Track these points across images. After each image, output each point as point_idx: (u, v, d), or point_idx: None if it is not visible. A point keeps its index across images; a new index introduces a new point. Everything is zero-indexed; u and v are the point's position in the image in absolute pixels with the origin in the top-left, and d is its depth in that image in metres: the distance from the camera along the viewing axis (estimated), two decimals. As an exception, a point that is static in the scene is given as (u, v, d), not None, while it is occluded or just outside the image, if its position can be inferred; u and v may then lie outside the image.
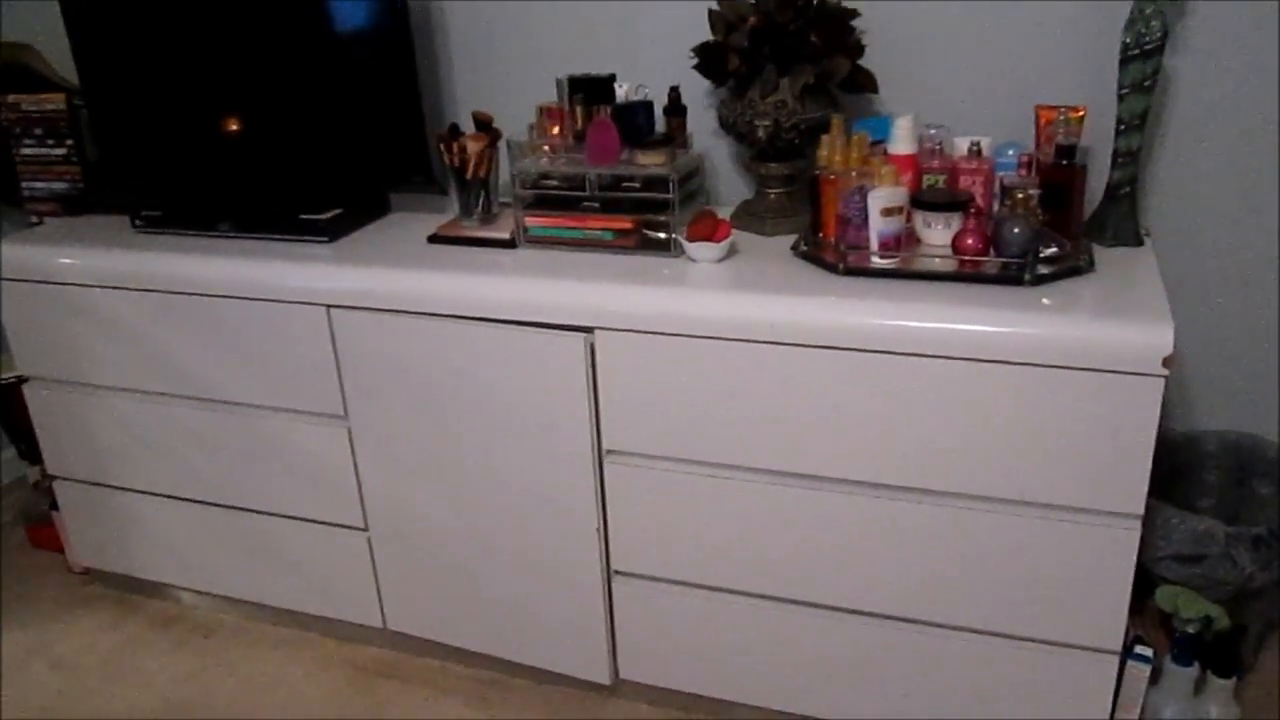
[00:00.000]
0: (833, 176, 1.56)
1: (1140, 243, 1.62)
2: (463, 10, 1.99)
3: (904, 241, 1.53)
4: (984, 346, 1.38)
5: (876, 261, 1.53)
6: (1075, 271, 1.49)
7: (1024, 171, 1.59)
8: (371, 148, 1.89)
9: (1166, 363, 1.32)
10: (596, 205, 1.69)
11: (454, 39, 2.03)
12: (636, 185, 1.66)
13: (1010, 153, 1.65)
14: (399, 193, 2.05)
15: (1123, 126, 1.57)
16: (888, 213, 1.50)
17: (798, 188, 1.74)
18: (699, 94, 1.86)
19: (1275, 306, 1.74)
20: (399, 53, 1.82)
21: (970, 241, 1.49)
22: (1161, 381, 1.34)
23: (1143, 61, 1.52)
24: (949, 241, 1.54)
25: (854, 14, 1.69)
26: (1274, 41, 1.59)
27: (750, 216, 1.77)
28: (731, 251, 1.64)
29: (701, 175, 1.75)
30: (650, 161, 1.65)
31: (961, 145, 1.66)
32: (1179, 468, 1.89)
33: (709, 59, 1.69)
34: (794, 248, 1.64)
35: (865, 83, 1.72)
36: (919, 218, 1.58)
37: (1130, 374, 1.34)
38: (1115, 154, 1.60)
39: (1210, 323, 1.78)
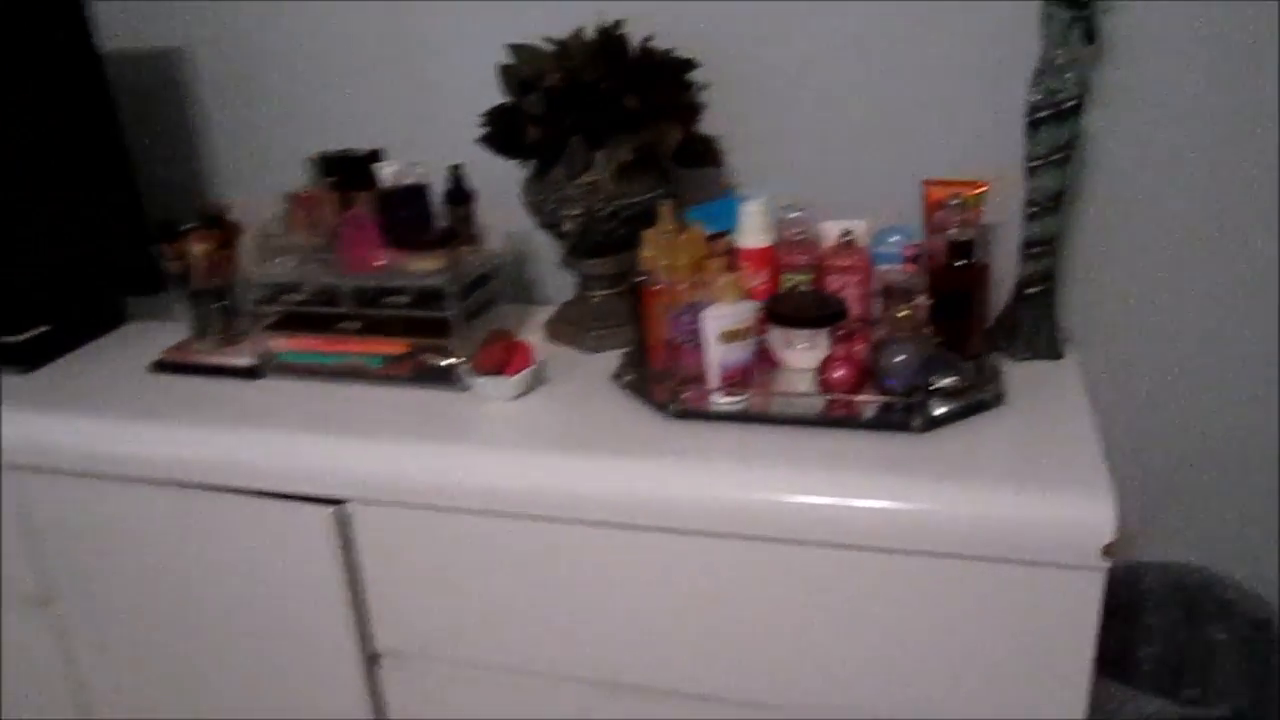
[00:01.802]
0: (657, 286, 1.16)
1: (1059, 354, 1.25)
2: (219, 60, 1.56)
3: (754, 370, 1.14)
4: (858, 530, 1.00)
5: (719, 403, 1.13)
6: (980, 407, 1.12)
7: (910, 267, 1.21)
8: (81, 246, 1.45)
9: (1109, 551, 0.95)
10: (357, 326, 1.27)
11: (209, 99, 1.60)
12: (404, 299, 1.25)
13: (893, 240, 1.28)
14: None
15: (1035, 209, 1.21)
16: (730, 337, 1.11)
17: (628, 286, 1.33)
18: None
19: (1225, 417, 1.39)
20: (96, 121, 1.38)
21: (840, 374, 1.11)
22: (1101, 575, 0.97)
23: (1056, 126, 1.15)
24: (817, 365, 1.15)
25: (689, 65, 1.31)
26: (1220, 88, 1.24)
27: (569, 326, 1.37)
28: (535, 382, 1.23)
29: (496, 280, 1.34)
30: (423, 267, 1.23)
31: (831, 232, 1.28)
32: (1115, 609, 1.53)
33: (501, 129, 1.29)
34: (617, 375, 1.24)
35: (705, 155, 1.33)
36: (776, 335, 1.19)
37: (1060, 567, 0.96)
38: (1026, 243, 1.23)
39: (1148, 436, 1.42)
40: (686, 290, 1.13)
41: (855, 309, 1.24)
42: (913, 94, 1.33)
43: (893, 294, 1.21)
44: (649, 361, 1.22)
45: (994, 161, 1.31)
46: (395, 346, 1.27)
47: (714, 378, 1.13)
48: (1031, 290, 1.24)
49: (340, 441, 1.16)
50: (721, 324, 1.10)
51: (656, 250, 1.17)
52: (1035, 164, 1.19)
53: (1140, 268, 1.34)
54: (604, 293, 1.36)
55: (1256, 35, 1.21)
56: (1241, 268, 1.31)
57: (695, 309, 1.12)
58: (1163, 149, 1.28)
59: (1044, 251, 1.23)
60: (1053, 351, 1.25)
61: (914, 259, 1.21)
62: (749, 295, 1.13)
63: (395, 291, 1.25)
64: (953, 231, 1.15)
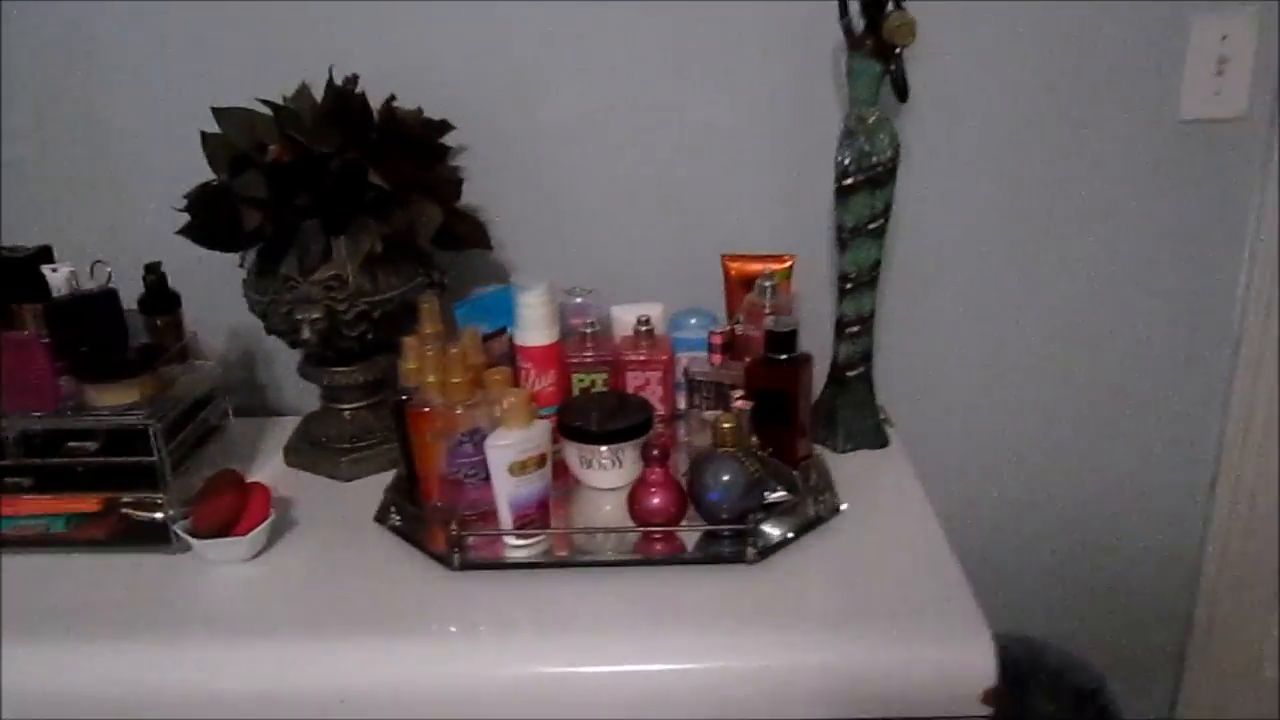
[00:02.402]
0: (425, 409, 0.94)
1: (884, 442, 1.12)
2: None
3: (549, 505, 0.94)
4: (692, 699, 0.81)
5: (512, 548, 0.92)
6: (815, 522, 0.96)
7: (717, 357, 1.05)
8: None
9: (987, 699, 0.81)
10: (29, 481, 0.97)
11: None
12: (92, 445, 0.96)
13: (693, 323, 1.11)
14: None
15: (849, 284, 1.07)
16: (521, 468, 0.90)
17: (387, 396, 1.09)
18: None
19: (1045, 486, 1.32)
20: None
21: (656, 501, 0.92)
22: (980, 725, 0.83)
23: (869, 192, 1.02)
24: (625, 484, 0.96)
25: (444, 128, 1.09)
26: (1014, 145, 1.15)
27: (315, 450, 1.12)
28: (275, 533, 0.98)
29: (218, 403, 1.07)
30: (116, 400, 0.95)
31: (624, 319, 1.10)
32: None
33: (208, 216, 1.02)
34: (382, 515, 1.00)
35: (471, 236, 1.12)
36: (572, 452, 0.99)
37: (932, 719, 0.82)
38: (840, 323, 1.09)
39: (971, 507, 1.33)
40: (463, 414, 0.91)
41: (660, 408, 1.06)
42: (703, 160, 1.17)
43: (699, 388, 1.05)
44: (420, 494, 0.99)
45: (792, 235, 1.17)
46: (85, 503, 0.98)
47: (505, 518, 0.92)
48: (851, 374, 1.11)
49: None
50: (510, 455, 0.89)
51: (421, 363, 0.95)
52: (846, 235, 1.05)
53: (949, 338, 1.24)
54: (356, 406, 1.12)
55: (1060, 96, 1.13)
56: (1047, 329, 1.23)
57: (476, 437, 0.91)
58: (970, 212, 1.18)
59: (862, 330, 1.09)
60: (878, 439, 1.12)
61: (723, 347, 1.05)
62: (535, 413, 0.92)
63: (80, 435, 0.97)
64: (770, 320, 0.99)
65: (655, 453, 0.92)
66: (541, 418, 0.93)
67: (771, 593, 0.87)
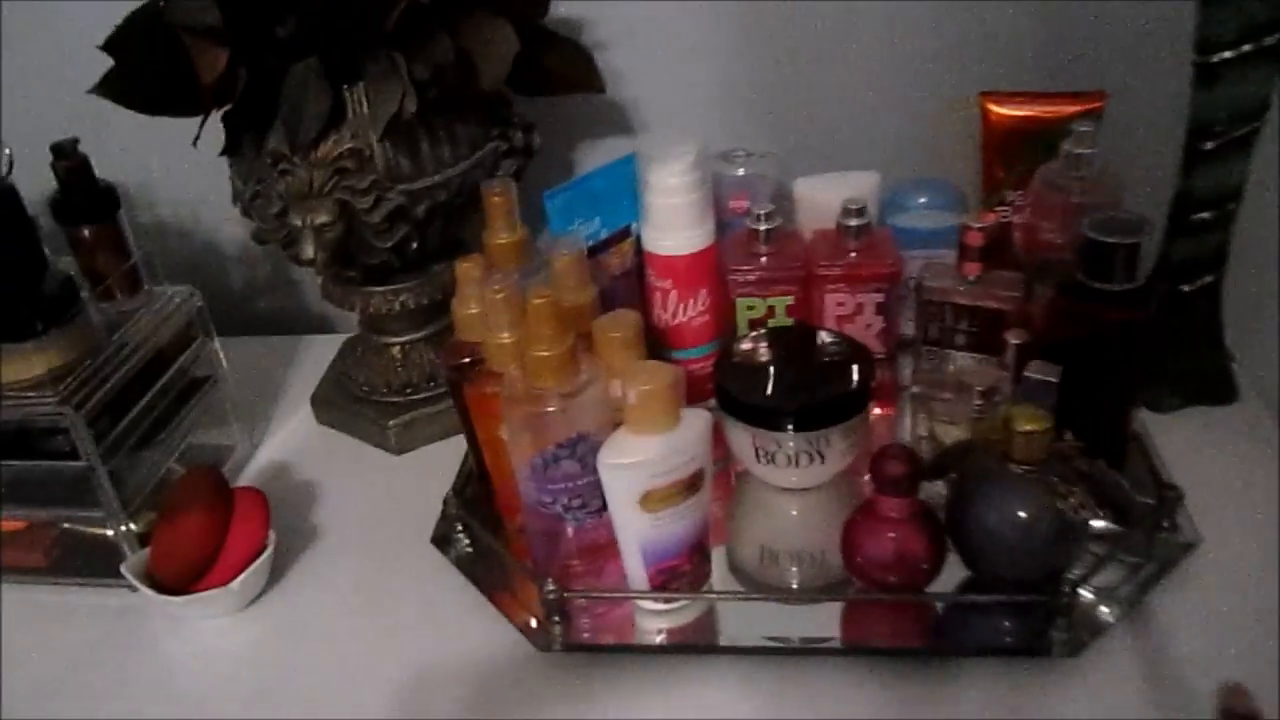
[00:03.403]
0: (491, 390, 0.55)
1: (1233, 394, 0.70)
2: None
3: (708, 545, 0.56)
4: None
5: (650, 619, 0.55)
6: (1161, 569, 0.56)
7: (975, 267, 0.63)
8: None
9: None
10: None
11: None
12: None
13: (921, 202, 0.70)
14: None
15: (1210, 143, 0.62)
16: (664, 500, 0.51)
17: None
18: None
19: None
20: None
21: (895, 550, 0.53)
22: None
23: None
24: (827, 481, 0.58)
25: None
26: None
27: (354, 406, 0.75)
28: (281, 562, 0.63)
29: (203, 347, 0.71)
30: (14, 375, 0.60)
31: (817, 201, 0.68)
32: None
33: (140, 61, 0.63)
34: (443, 539, 0.64)
35: (568, 72, 0.70)
36: (741, 437, 0.59)
37: None
38: (1184, 203, 0.65)
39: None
40: (558, 409, 0.52)
41: (878, 349, 0.66)
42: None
43: (937, 316, 0.64)
44: (496, 506, 0.63)
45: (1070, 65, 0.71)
46: (10, 522, 0.64)
47: (637, 574, 0.54)
48: (1190, 287, 0.67)
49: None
50: (643, 480, 0.51)
51: (486, 308, 0.56)
52: (1225, 59, 0.60)
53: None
54: (409, 339, 0.75)
55: None
56: None
57: (582, 448, 0.52)
58: None
59: (1217, 219, 0.65)
60: (1224, 391, 0.70)
61: (984, 250, 0.62)
62: (680, 404, 0.53)
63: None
64: (1090, 220, 0.55)
65: (895, 473, 0.52)
66: (697, 407, 0.54)
67: (1097, 712, 0.49)
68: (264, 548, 0.61)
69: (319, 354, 0.84)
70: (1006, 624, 0.54)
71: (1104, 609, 0.54)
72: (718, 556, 0.59)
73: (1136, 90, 0.71)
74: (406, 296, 0.71)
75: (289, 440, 0.77)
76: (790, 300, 0.66)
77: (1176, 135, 0.63)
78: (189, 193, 0.87)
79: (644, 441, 0.51)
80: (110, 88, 0.62)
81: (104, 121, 0.66)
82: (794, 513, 0.60)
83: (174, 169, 0.82)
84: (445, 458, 0.70)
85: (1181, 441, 0.66)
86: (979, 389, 0.59)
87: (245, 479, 0.73)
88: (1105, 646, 0.53)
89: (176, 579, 0.60)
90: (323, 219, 0.63)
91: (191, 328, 0.70)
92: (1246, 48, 0.59)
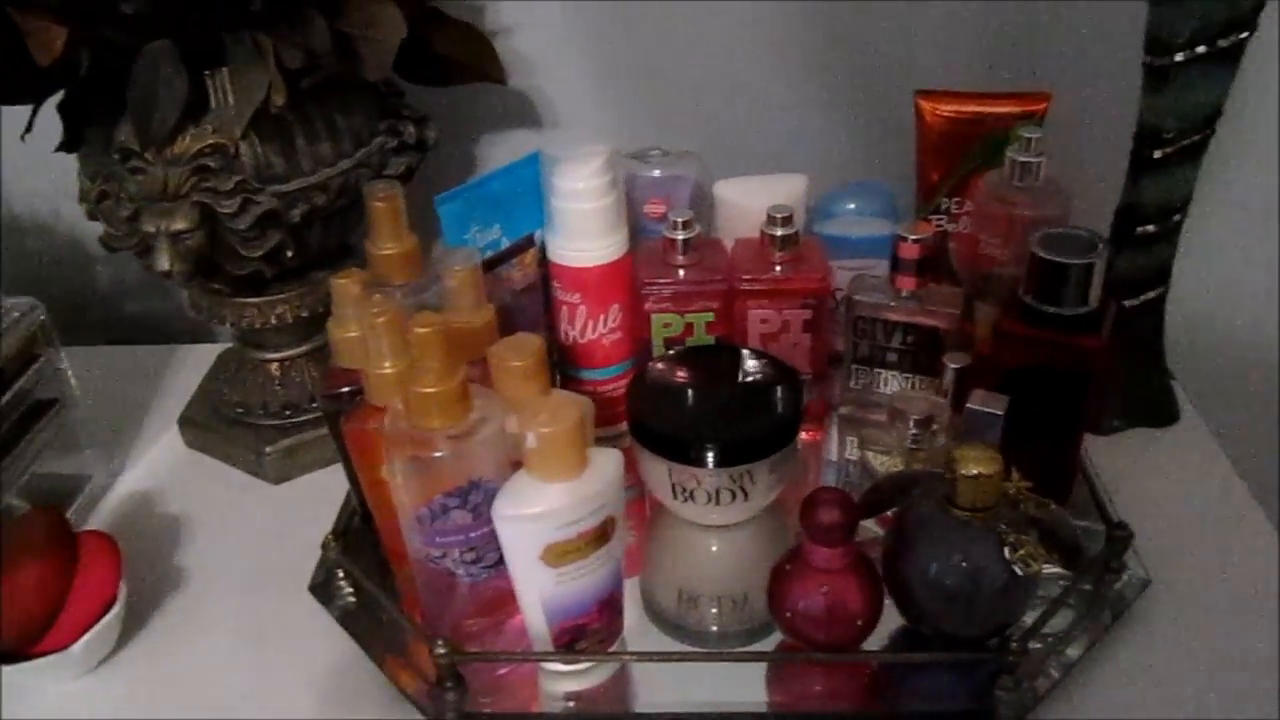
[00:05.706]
0: (371, 427, 0.48)
1: (1174, 415, 0.67)
2: None
3: (621, 599, 0.50)
4: None
5: (553, 696, 0.49)
6: (1114, 613, 0.52)
7: (911, 281, 0.58)
8: None
9: None
10: None
11: None
12: None
13: (851, 209, 0.65)
14: None
15: (1158, 151, 0.58)
16: (569, 553, 0.45)
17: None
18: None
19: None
20: None
21: (827, 605, 0.47)
22: None
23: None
24: (751, 518, 0.52)
25: None
26: None
27: (227, 428, 0.67)
28: (134, 616, 0.55)
29: (49, 366, 0.62)
30: None
31: (739, 207, 0.63)
32: None
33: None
34: (323, 589, 0.56)
35: (465, 60, 0.63)
36: (657, 471, 0.53)
37: None
38: (1128, 215, 0.62)
39: None
40: (449, 453, 0.45)
41: (805, 371, 0.60)
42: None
43: (868, 333, 0.59)
44: (383, 550, 0.56)
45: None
46: None
47: (539, 630, 0.48)
48: (1133, 302, 0.63)
49: None
50: (547, 532, 0.44)
51: (365, 332, 0.48)
52: (1178, 62, 0.55)
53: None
54: (289, 354, 0.67)
55: None
56: None
57: (472, 495, 0.46)
58: None
59: (1162, 231, 0.61)
60: (1165, 411, 0.66)
61: (920, 262, 0.57)
62: (587, 444, 0.46)
63: None
64: (1039, 235, 0.51)
65: (828, 521, 0.47)
66: (605, 442, 0.47)
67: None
68: (113, 601, 0.53)
69: (193, 366, 0.76)
70: (948, 682, 0.49)
71: (1052, 668, 0.49)
72: (632, 596, 0.53)
73: (1082, 94, 0.67)
74: (284, 309, 0.64)
75: (153, 467, 0.68)
76: (711, 317, 0.60)
77: (1124, 142, 0.58)
78: (47, 185, 0.77)
79: (546, 489, 0.45)
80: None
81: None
82: (715, 549, 0.54)
83: (28, 160, 0.73)
84: (329, 488, 0.62)
85: (1124, 465, 0.62)
86: (915, 418, 0.54)
87: (103, 512, 0.65)
88: (1053, 706, 0.48)
89: (14, 641, 0.52)
90: (180, 225, 0.55)
91: (34, 344, 0.61)
92: (1200, 49, 0.54)
